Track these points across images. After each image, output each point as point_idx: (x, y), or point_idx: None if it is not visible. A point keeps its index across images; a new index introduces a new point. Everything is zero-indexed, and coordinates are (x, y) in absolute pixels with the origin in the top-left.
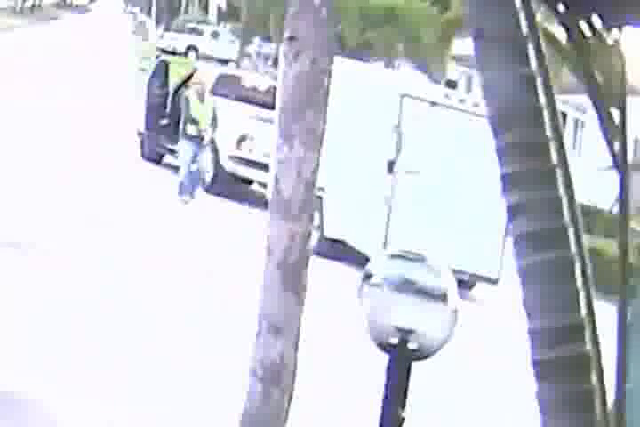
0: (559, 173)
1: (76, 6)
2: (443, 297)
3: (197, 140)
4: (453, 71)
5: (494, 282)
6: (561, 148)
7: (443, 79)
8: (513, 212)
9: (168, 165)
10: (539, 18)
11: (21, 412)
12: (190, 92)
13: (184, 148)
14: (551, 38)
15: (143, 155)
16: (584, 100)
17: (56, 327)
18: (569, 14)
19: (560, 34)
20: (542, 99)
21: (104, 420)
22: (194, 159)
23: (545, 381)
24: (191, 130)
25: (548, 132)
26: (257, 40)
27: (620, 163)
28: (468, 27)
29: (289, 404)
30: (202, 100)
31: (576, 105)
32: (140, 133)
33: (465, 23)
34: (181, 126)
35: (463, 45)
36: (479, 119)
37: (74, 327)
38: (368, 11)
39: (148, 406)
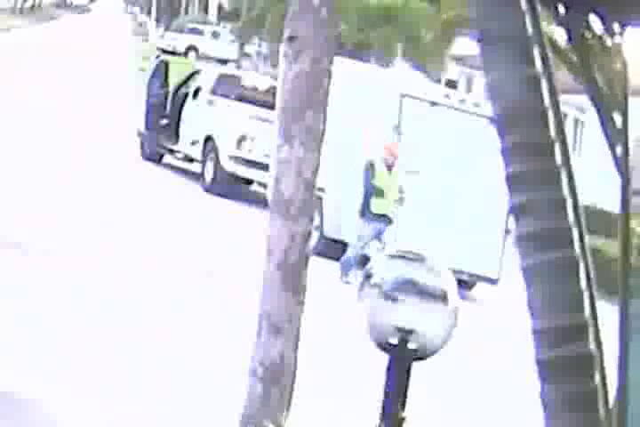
0: (563, 173)
1: (76, 6)
2: (443, 297)
3: (382, 218)
4: (453, 71)
5: (494, 282)
6: (564, 148)
7: (443, 79)
8: (517, 211)
9: (168, 165)
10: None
11: (21, 412)
12: (377, 160)
13: (363, 225)
14: (550, 40)
15: (143, 155)
16: (584, 100)
17: (56, 327)
18: (568, 15)
19: (559, 36)
20: (547, 99)
21: (104, 420)
22: (376, 238)
23: (549, 381)
24: (376, 206)
25: (553, 133)
26: (257, 40)
27: (621, 164)
28: (474, 28)
29: (289, 404)
30: (390, 169)
31: (576, 105)
32: (140, 133)
33: (465, 23)
34: (363, 200)
35: (463, 45)
36: (479, 119)
37: (74, 327)
38: (367, 11)
39: (149, 407)
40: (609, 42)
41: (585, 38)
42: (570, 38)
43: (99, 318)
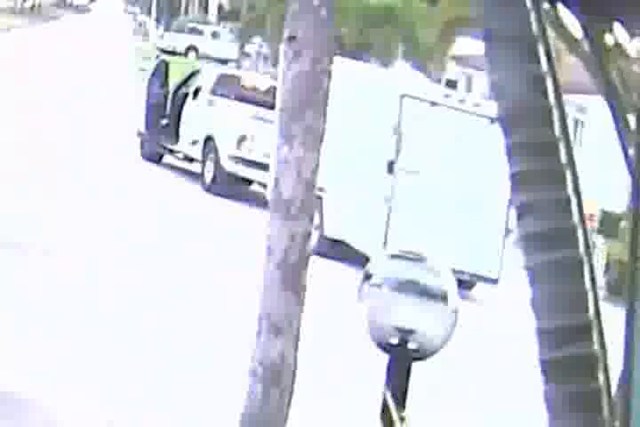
0: (567, 172)
1: (76, 6)
2: (443, 297)
3: None
4: (453, 71)
5: (494, 282)
6: (569, 148)
7: (443, 79)
8: (522, 211)
9: (168, 165)
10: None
11: (21, 412)
12: None
13: None
14: (565, 36)
15: (143, 155)
16: (584, 100)
17: (56, 327)
18: (588, 17)
19: (575, 31)
20: (551, 99)
21: (104, 420)
22: None
23: (552, 381)
24: None
25: (557, 132)
26: (257, 40)
27: (633, 165)
28: (476, 27)
29: (289, 404)
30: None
31: (576, 105)
32: (139, 133)
33: (465, 23)
34: None
35: (463, 45)
36: (479, 119)
37: (73, 327)
38: (367, 11)
39: (148, 407)
40: (628, 43)
41: (603, 39)
42: (587, 37)
43: (99, 319)
